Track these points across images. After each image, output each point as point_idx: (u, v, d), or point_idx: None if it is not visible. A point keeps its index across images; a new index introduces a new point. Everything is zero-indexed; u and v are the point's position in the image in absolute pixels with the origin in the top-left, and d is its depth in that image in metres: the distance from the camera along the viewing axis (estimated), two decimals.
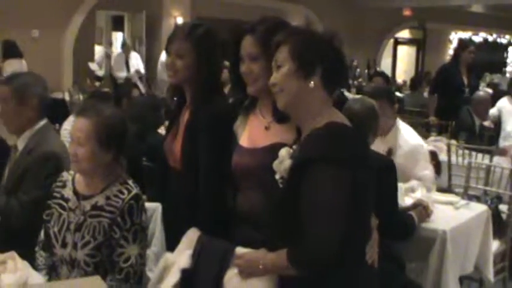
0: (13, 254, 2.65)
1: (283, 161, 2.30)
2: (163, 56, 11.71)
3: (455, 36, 22.33)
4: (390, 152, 4.41)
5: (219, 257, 2.45)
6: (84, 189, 2.89)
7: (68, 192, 2.92)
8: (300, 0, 16.63)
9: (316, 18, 17.05)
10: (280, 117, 2.52)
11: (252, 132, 2.68)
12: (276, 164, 2.33)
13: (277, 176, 2.33)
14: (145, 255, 2.91)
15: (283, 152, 2.33)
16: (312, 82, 2.25)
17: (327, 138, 2.19)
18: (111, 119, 2.84)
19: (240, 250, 2.41)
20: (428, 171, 4.61)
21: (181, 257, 2.51)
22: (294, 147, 2.34)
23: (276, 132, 2.58)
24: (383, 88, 5.32)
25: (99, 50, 16.09)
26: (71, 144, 2.83)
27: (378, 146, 4.00)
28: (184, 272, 2.49)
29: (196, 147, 2.84)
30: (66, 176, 3.00)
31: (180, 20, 14.60)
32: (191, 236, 2.54)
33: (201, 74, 2.89)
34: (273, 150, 2.41)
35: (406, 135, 4.59)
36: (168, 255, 2.59)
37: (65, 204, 2.90)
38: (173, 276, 2.51)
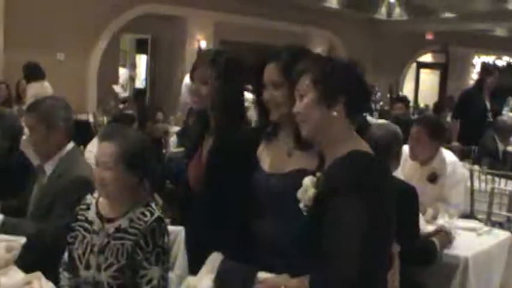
0: (39, 274, 2.69)
1: (307, 190, 2.30)
2: (187, 79, 11.81)
3: (478, 60, 22.21)
4: (433, 176, 4.43)
5: (241, 282, 2.44)
6: (108, 212, 2.91)
7: (91, 215, 2.94)
8: (323, 24, 16.69)
9: (340, 42, 17.19)
10: (303, 144, 2.54)
11: (274, 158, 2.70)
12: (300, 193, 2.34)
13: (301, 205, 2.33)
14: (168, 277, 2.91)
15: (307, 181, 2.33)
16: (334, 111, 2.27)
17: (349, 167, 2.20)
18: (136, 143, 2.86)
19: (262, 275, 2.41)
20: (461, 201, 4.61)
21: (204, 280, 2.50)
22: (318, 174, 2.35)
23: (299, 158, 2.60)
24: (431, 118, 5.32)
25: (123, 73, 16.25)
26: (96, 168, 2.85)
27: (418, 174, 4.04)
28: None
29: (219, 172, 2.87)
30: (89, 198, 3.02)
31: (203, 44, 14.72)
32: (214, 260, 2.53)
33: (225, 100, 2.93)
34: (295, 177, 2.42)
35: (450, 162, 4.60)
36: (190, 279, 2.58)
37: (88, 226, 2.92)
38: None
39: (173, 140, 7.68)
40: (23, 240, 3.02)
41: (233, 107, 2.96)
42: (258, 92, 2.72)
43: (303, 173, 2.42)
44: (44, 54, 11.05)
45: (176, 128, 8.53)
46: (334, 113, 2.27)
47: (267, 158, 2.74)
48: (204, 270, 2.56)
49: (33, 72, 9.94)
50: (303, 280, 2.23)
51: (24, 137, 4.45)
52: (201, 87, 2.94)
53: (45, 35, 11.64)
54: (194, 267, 2.70)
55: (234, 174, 2.80)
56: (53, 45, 12.01)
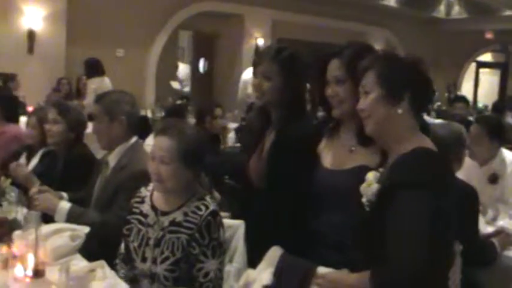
0: (102, 262, 2.74)
1: (371, 185, 2.31)
2: (245, 75, 11.88)
3: None
4: (493, 177, 4.37)
5: (301, 276, 2.44)
6: (163, 205, 2.93)
7: (146, 208, 2.97)
8: (381, 23, 16.54)
9: (397, 41, 17.00)
10: (365, 140, 2.54)
11: (336, 155, 2.71)
12: (363, 188, 2.34)
13: (364, 199, 2.33)
14: (224, 270, 2.94)
15: (371, 176, 2.34)
16: (399, 109, 2.27)
17: (413, 164, 2.20)
18: (193, 139, 2.88)
19: (322, 270, 2.41)
20: None
21: (263, 274, 2.52)
22: (380, 170, 2.36)
23: (361, 155, 2.61)
24: (491, 118, 5.25)
25: (182, 69, 16.38)
26: (152, 162, 2.87)
27: (478, 174, 3.99)
28: None
29: (281, 167, 2.89)
30: (144, 191, 3.06)
31: (260, 42, 14.73)
32: (274, 254, 2.55)
33: (287, 96, 2.95)
34: (357, 173, 2.43)
35: (511, 162, 4.53)
36: (250, 272, 2.60)
37: (143, 219, 2.95)
38: None
39: (231, 136, 7.73)
40: (86, 229, 3.10)
41: (295, 103, 2.98)
42: (320, 88, 2.73)
43: (365, 169, 2.42)
44: (103, 51, 11.23)
45: (234, 125, 8.57)
46: (399, 110, 2.27)
47: (328, 154, 2.75)
48: (263, 263, 2.58)
49: (94, 68, 10.09)
50: (364, 275, 2.23)
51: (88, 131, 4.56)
52: (264, 83, 2.96)
53: (105, 31, 11.82)
54: (253, 261, 2.72)
55: (295, 169, 2.82)
56: (113, 42, 12.19)
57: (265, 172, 3.01)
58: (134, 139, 3.69)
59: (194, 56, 16.63)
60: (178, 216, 2.86)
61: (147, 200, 3.00)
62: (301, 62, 3.03)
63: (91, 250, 3.06)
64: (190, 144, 2.84)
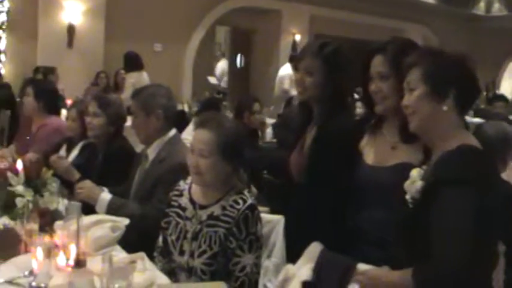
0: (142, 254, 2.75)
1: (415, 182, 2.29)
2: (281, 71, 11.87)
3: None
4: None
5: (341, 272, 2.41)
6: (201, 199, 2.94)
7: (184, 201, 2.98)
8: (419, 20, 16.37)
9: (435, 38, 16.80)
10: (408, 137, 2.52)
11: (378, 151, 2.70)
12: (407, 185, 2.32)
13: (407, 196, 2.32)
14: (261, 265, 2.94)
15: (415, 173, 2.32)
16: (445, 106, 2.24)
17: (458, 161, 2.17)
18: (232, 133, 2.88)
19: (362, 266, 2.38)
20: None
21: (303, 270, 2.50)
22: (424, 167, 2.33)
23: (403, 152, 2.59)
24: None
25: (221, 65, 16.44)
26: (191, 155, 2.88)
27: None
28: (305, 285, 2.49)
29: (321, 163, 2.88)
30: (182, 185, 3.07)
31: (298, 38, 14.71)
32: (313, 249, 2.52)
33: (329, 91, 2.94)
34: (400, 170, 2.41)
35: None
36: (290, 267, 2.58)
37: (181, 212, 2.96)
38: None
39: (269, 131, 7.71)
40: (126, 221, 3.12)
41: (337, 98, 2.97)
42: (364, 84, 2.72)
43: (407, 166, 2.40)
44: (141, 45, 11.31)
45: (271, 120, 8.55)
46: (445, 108, 2.24)
47: (370, 151, 2.74)
48: (303, 259, 2.56)
49: (133, 62, 10.15)
50: (405, 273, 2.21)
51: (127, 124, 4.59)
52: (306, 78, 2.95)
53: (143, 26, 11.91)
54: (292, 256, 2.72)
55: (336, 165, 2.81)
56: (151, 37, 12.29)
57: (305, 167, 2.99)
58: (173, 132, 3.71)
59: (231, 51, 16.67)
60: (216, 209, 2.86)
61: (186, 193, 3.01)
62: (345, 57, 3.02)
63: (130, 242, 3.08)
64: (229, 138, 2.84)
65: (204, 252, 2.83)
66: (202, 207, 2.91)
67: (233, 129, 2.92)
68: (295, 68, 3.04)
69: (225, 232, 2.80)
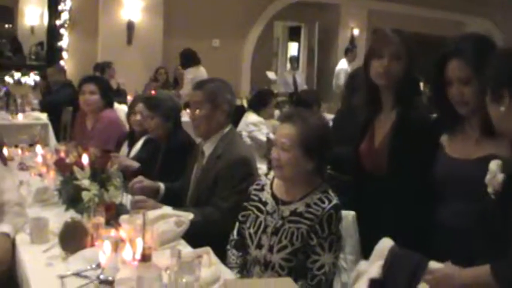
0: (208, 249, 2.73)
1: (496, 174, 2.23)
2: (340, 65, 11.80)
3: None
4: None
5: (410, 271, 2.33)
6: (283, 195, 2.93)
7: (266, 196, 2.98)
8: (482, 13, 15.95)
9: (498, 31, 16.37)
10: (490, 132, 2.45)
11: (462, 145, 2.64)
12: (488, 178, 2.26)
13: (489, 190, 2.25)
14: (338, 265, 2.91)
15: (493, 166, 2.26)
16: (502, 106, 2.15)
17: None
18: (316, 128, 2.85)
19: (433, 265, 2.30)
20: None
21: (372, 267, 2.46)
22: (504, 158, 2.27)
23: (488, 144, 2.52)
24: None
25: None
26: (274, 148, 2.88)
27: None
28: (372, 282, 2.43)
29: (405, 150, 2.85)
30: (264, 179, 3.07)
31: (356, 32, 14.59)
32: (383, 246, 2.45)
33: (410, 76, 2.94)
34: (485, 162, 2.34)
35: None
36: (362, 263, 2.55)
37: (262, 207, 2.96)
38: (362, 286, 2.47)
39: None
40: (191, 216, 3.11)
41: (414, 83, 2.99)
42: (438, 88, 2.67)
43: (494, 158, 2.33)
44: (199, 41, 11.44)
45: (330, 116, 8.47)
46: (502, 108, 2.15)
47: (453, 144, 2.69)
48: (373, 256, 2.52)
49: (189, 58, 10.30)
50: (482, 269, 2.12)
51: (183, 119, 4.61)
52: (393, 63, 2.93)
53: (201, 22, 12.01)
54: (367, 252, 2.65)
55: (417, 156, 2.77)
56: (209, 33, 12.38)
57: (387, 154, 2.95)
58: (229, 127, 3.67)
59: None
60: (300, 206, 2.85)
61: (267, 188, 3.02)
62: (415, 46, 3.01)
63: (194, 237, 3.06)
64: (312, 134, 2.82)
65: (285, 247, 2.82)
66: (285, 203, 2.91)
67: (318, 126, 2.88)
68: (375, 55, 2.98)
69: (308, 229, 2.80)
